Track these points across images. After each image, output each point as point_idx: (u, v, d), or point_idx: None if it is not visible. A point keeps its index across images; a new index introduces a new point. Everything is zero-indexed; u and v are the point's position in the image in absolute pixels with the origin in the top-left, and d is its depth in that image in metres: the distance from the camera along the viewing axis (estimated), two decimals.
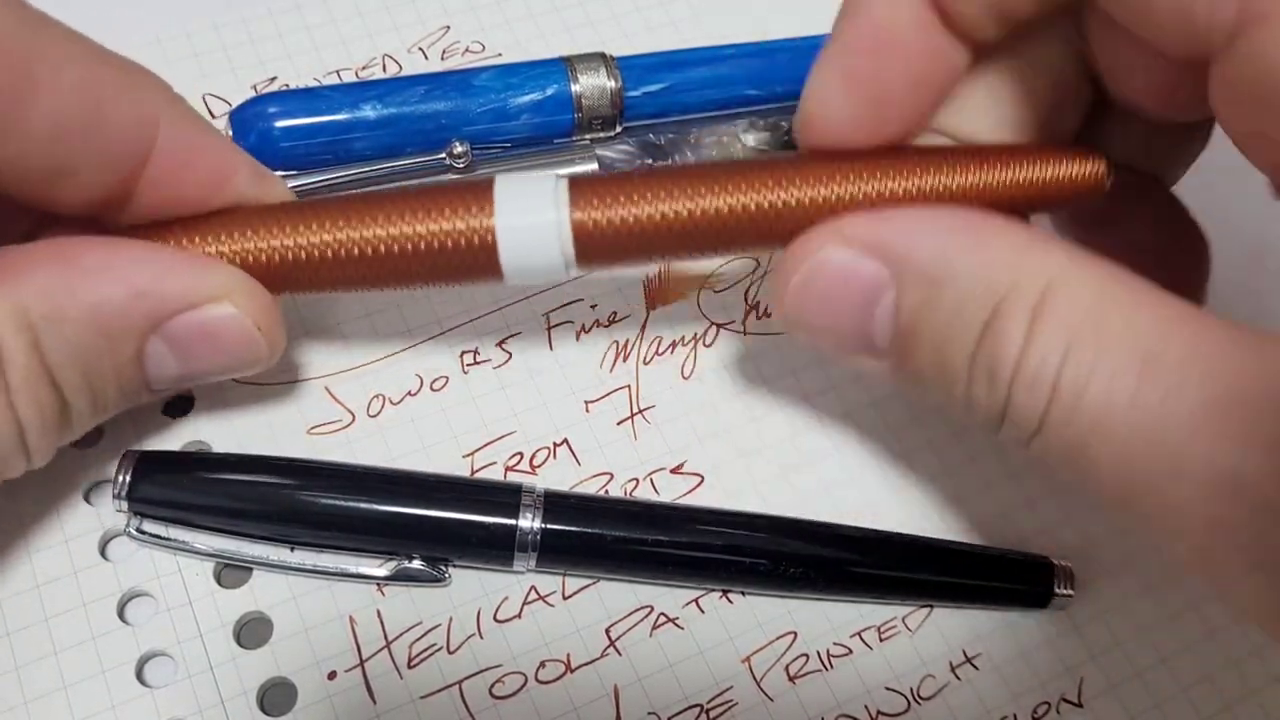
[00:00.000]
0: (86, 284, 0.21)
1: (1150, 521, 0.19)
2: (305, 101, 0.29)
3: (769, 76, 0.32)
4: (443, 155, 0.29)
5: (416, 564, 0.25)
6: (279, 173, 0.28)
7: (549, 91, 0.31)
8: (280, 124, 0.29)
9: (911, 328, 0.21)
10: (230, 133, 0.29)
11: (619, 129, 0.32)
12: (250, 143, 0.29)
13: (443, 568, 0.25)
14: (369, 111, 0.30)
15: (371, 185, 0.29)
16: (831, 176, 0.22)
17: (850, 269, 0.21)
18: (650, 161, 0.30)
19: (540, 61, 0.31)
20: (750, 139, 0.31)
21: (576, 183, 0.23)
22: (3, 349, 0.20)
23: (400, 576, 0.25)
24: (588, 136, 0.32)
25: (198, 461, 0.25)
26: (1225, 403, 0.17)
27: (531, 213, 0.23)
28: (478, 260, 0.23)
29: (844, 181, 0.22)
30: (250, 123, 0.29)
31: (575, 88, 0.31)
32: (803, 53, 0.32)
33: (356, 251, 0.23)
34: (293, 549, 0.25)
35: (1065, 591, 0.27)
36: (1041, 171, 0.24)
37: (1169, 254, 0.27)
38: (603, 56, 0.31)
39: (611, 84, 0.31)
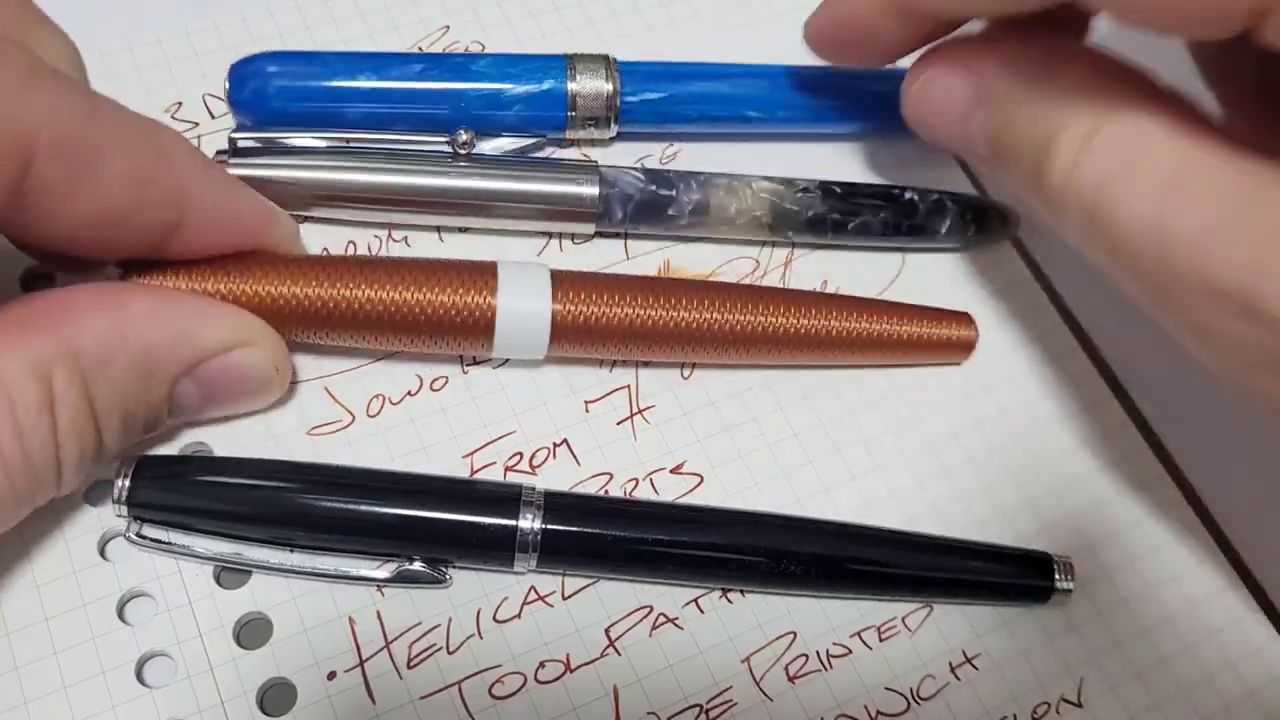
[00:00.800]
0: (135, 329, 0.23)
1: (1175, 329, 0.22)
2: (303, 64, 0.30)
3: (772, 101, 0.32)
4: (447, 140, 0.29)
5: (417, 565, 0.25)
6: (271, 131, 0.29)
7: (544, 86, 0.31)
8: (276, 83, 0.29)
9: (996, 140, 0.25)
10: (228, 86, 0.29)
11: (613, 133, 0.32)
12: (244, 98, 0.29)
13: (443, 569, 0.25)
14: (364, 81, 0.30)
15: (371, 158, 0.29)
16: (760, 306, 0.28)
17: (949, 88, 0.26)
18: (655, 189, 0.30)
19: (541, 55, 0.31)
20: (763, 187, 0.30)
21: (559, 276, 0.27)
22: (55, 391, 0.21)
23: (401, 578, 0.25)
24: (579, 135, 0.32)
25: (197, 466, 0.25)
26: (1221, 227, 0.20)
27: (529, 298, 0.27)
28: (474, 331, 0.26)
29: (775, 312, 0.28)
30: (247, 79, 0.29)
31: (572, 86, 0.31)
32: (809, 82, 0.32)
33: (368, 310, 0.26)
34: (292, 551, 0.25)
35: (1066, 585, 0.27)
36: (914, 328, 0.30)
37: None
38: (605, 59, 0.31)
39: (609, 87, 0.31)
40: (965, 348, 0.30)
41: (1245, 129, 0.24)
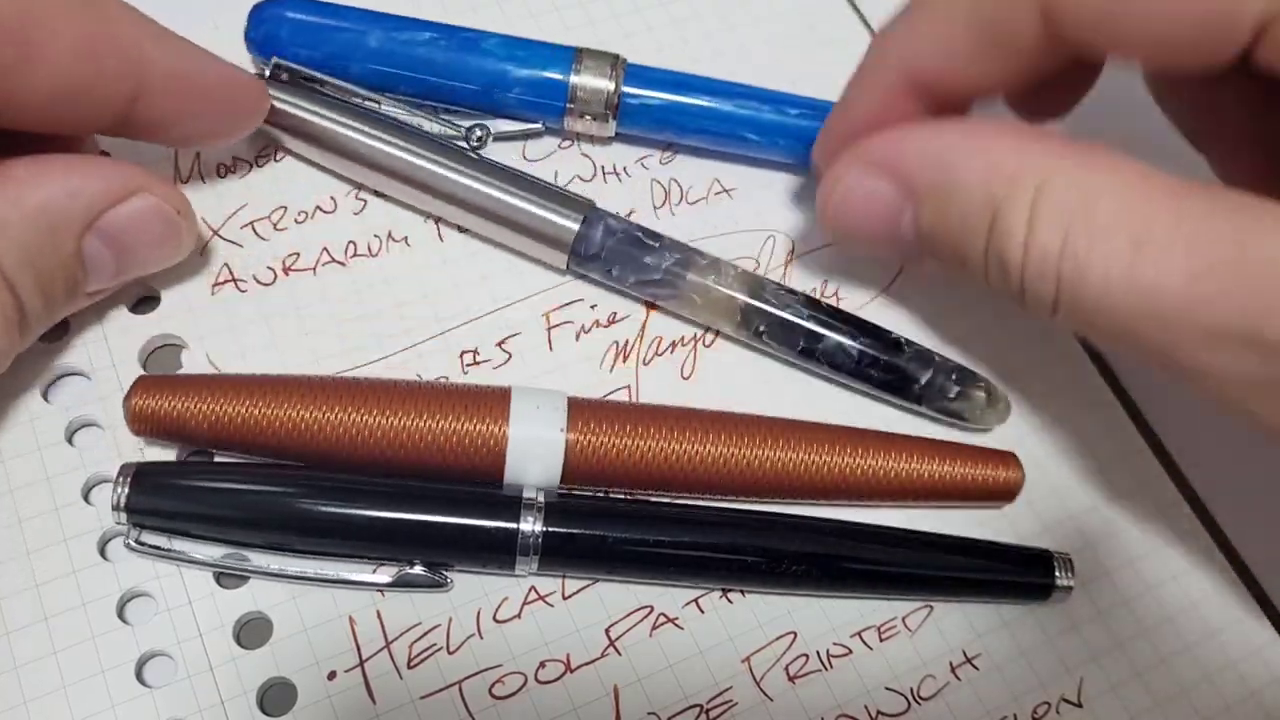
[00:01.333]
0: (25, 190, 0.23)
1: (1169, 373, 0.21)
2: (319, 13, 0.31)
3: (775, 127, 0.31)
4: (462, 134, 0.30)
5: (418, 570, 0.25)
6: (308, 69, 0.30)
7: (548, 74, 0.31)
8: (290, 28, 0.30)
9: (931, 234, 0.24)
10: (246, 24, 0.31)
11: (612, 131, 0.32)
12: (259, 37, 0.30)
13: (444, 573, 0.25)
14: (372, 40, 0.30)
15: (386, 127, 0.29)
16: (790, 442, 0.27)
17: (872, 194, 0.25)
18: (640, 236, 0.29)
19: (551, 44, 0.31)
20: (744, 276, 0.29)
21: (576, 405, 0.26)
22: None
23: (401, 583, 0.25)
24: (578, 128, 0.32)
25: (196, 472, 0.25)
26: (1209, 272, 0.19)
27: (542, 427, 0.26)
28: (485, 460, 0.25)
29: (799, 449, 0.27)
30: (264, 21, 0.30)
31: (574, 79, 0.31)
32: (816, 114, 0.31)
33: (379, 436, 0.25)
34: (292, 555, 0.25)
35: (1066, 582, 0.27)
36: (961, 469, 0.28)
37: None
38: (614, 57, 0.31)
39: (610, 85, 0.31)
40: (1008, 494, 0.28)
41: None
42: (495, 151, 0.32)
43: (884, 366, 0.29)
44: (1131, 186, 0.21)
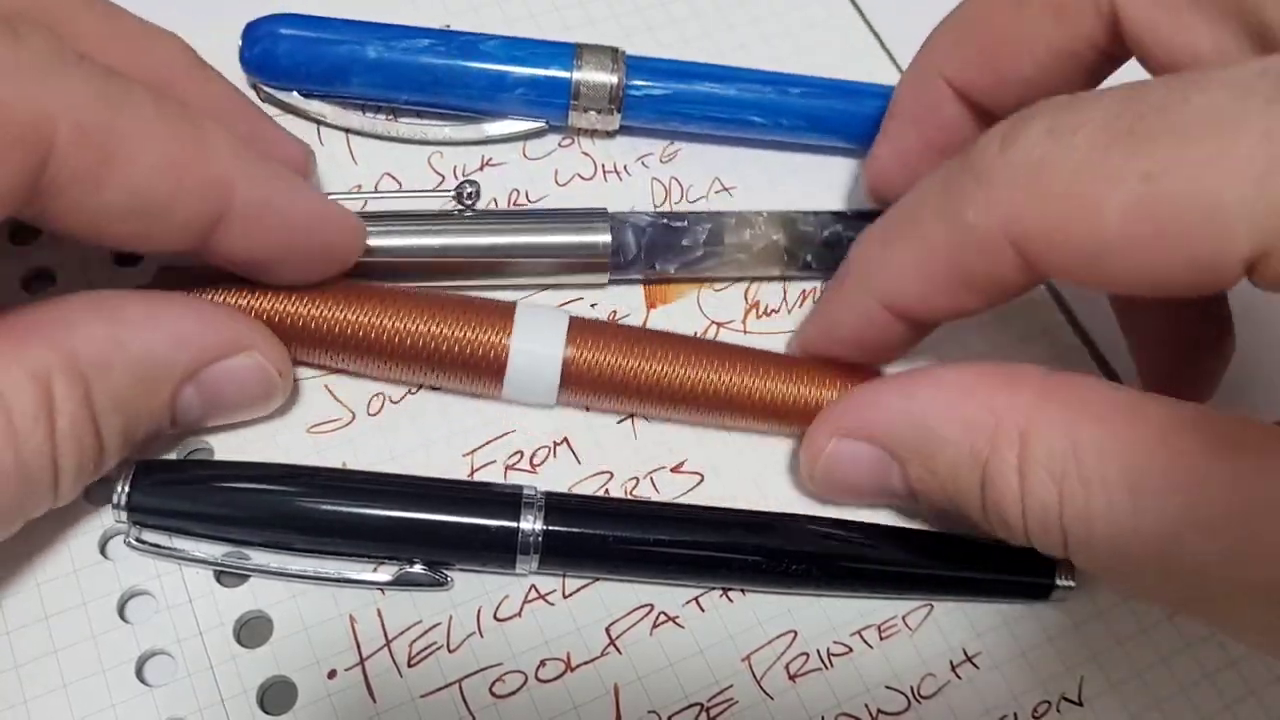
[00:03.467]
0: (133, 335, 0.22)
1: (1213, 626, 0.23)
2: (315, 28, 0.30)
3: (778, 108, 0.32)
4: (453, 193, 0.29)
5: (418, 568, 0.25)
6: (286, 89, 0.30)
7: (550, 72, 0.31)
8: (285, 45, 0.30)
9: (923, 492, 0.25)
10: (240, 44, 0.30)
11: (616, 125, 0.32)
12: (254, 56, 0.30)
13: (444, 571, 0.25)
14: (371, 52, 0.30)
15: (372, 220, 0.28)
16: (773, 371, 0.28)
17: (855, 457, 0.25)
18: (666, 222, 0.29)
19: (550, 42, 0.31)
20: (774, 214, 0.30)
21: (575, 323, 0.27)
22: (54, 397, 0.21)
23: (402, 581, 0.25)
24: (582, 124, 0.32)
25: (196, 470, 0.25)
26: (1212, 524, 0.19)
27: (543, 343, 0.26)
28: (486, 370, 0.26)
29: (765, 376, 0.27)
30: (259, 39, 0.30)
31: (577, 75, 0.31)
32: (817, 92, 0.32)
33: (397, 339, 0.26)
34: (293, 554, 0.25)
35: (1066, 582, 0.27)
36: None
37: (1200, 344, 0.28)
38: (614, 51, 0.31)
39: (614, 79, 0.31)
40: None
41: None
42: (497, 152, 0.32)
43: None
44: (1117, 427, 0.21)
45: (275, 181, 0.24)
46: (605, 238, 0.29)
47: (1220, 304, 0.28)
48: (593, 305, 0.30)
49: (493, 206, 0.31)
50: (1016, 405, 0.22)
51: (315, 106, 0.31)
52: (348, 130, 0.32)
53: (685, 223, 0.30)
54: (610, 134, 0.33)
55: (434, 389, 0.28)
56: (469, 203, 0.29)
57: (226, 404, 0.25)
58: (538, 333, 0.27)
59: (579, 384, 0.27)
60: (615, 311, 0.30)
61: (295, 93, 0.30)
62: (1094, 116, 0.20)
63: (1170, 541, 0.20)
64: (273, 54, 0.30)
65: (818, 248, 0.30)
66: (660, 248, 0.29)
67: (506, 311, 0.27)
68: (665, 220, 0.29)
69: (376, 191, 0.30)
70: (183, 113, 0.22)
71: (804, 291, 0.31)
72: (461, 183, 0.29)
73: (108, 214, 0.21)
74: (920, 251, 0.24)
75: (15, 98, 0.19)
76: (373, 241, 0.27)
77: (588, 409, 0.28)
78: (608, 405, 0.28)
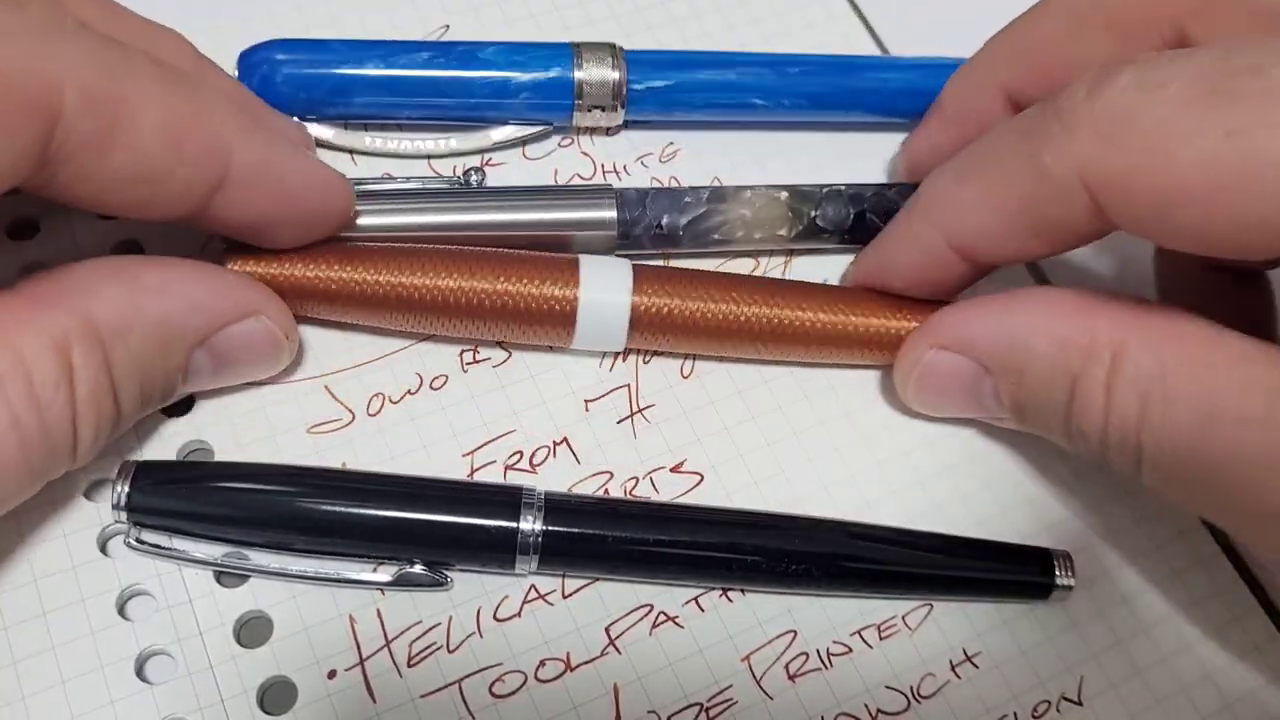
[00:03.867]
0: (150, 300, 0.23)
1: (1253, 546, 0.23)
2: (311, 52, 0.30)
3: (778, 89, 0.32)
4: (462, 176, 0.30)
5: (418, 569, 0.25)
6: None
7: (551, 74, 0.31)
8: (284, 71, 0.30)
9: (1013, 404, 0.25)
10: (236, 74, 0.30)
11: (620, 121, 0.32)
12: (253, 85, 0.30)
13: (444, 571, 0.25)
14: (371, 70, 0.30)
15: (381, 199, 0.29)
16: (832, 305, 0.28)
17: (950, 368, 0.26)
18: (671, 189, 0.30)
19: (548, 44, 0.31)
20: (775, 186, 0.31)
21: (640, 270, 0.28)
22: (74, 363, 0.21)
23: (402, 582, 0.25)
24: (586, 123, 0.32)
25: (196, 471, 0.25)
26: None
27: (610, 290, 0.27)
28: (556, 321, 0.27)
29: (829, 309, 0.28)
30: (255, 66, 0.30)
31: (579, 74, 0.31)
32: (814, 69, 0.32)
33: (456, 298, 0.27)
34: (292, 554, 0.25)
35: (1066, 581, 0.27)
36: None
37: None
38: (612, 47, 0.31)
39: (616, 75, 0.31)
40: None
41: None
42: (498, 153, 0.32)
43: None
44: (1203, 357, 0.21)
45: (271, 146, 0.24)
46: (611, 213, 0.29)
47: (1266, 292, 0.28)
48: None
49: None
50: (1110, 326, 0.23)
51: (317, 130, 0.31)
52: (352, 151, 0.31)
53: (685, 188, 0.31)
54: (614, 130, 0.33)
55: (432, 387, 0.28)
56: (477, 179, 0.30)
57: (235, 365, 0.26)
58: (604, 281, 0.27)
59: (647, 328, 0.28)
60: None
61: (295, 119, 0.30)
62: (1184, 73, 0.20)
63: (1240, 462, 0.20)
64: (271, 81, 0.30)
65: (820, 204, 0.30)
66: (664, 202, 0.30)
67: (571, 265, 0.27)
68: (665, 187, 0.30)
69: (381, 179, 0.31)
70: (182, 79, 0.22)
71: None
72: (468, 170, 0.30)
73: (113, 181, 0.21)
74: (994, 190, 0.24)
75: (23, 64, 0.19)
76: (381, 220, 0.28)
77: (654, 354, 0.29)
78: (674, 346, 0.29)
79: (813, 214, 0.30)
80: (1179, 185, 0.20)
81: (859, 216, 0.31)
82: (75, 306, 0.22)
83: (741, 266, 0.31)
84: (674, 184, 0.32)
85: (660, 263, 0.30)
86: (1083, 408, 0.23)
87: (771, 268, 0.31)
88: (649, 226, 0.29)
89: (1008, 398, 0.25)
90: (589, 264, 0.27)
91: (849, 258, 0.32)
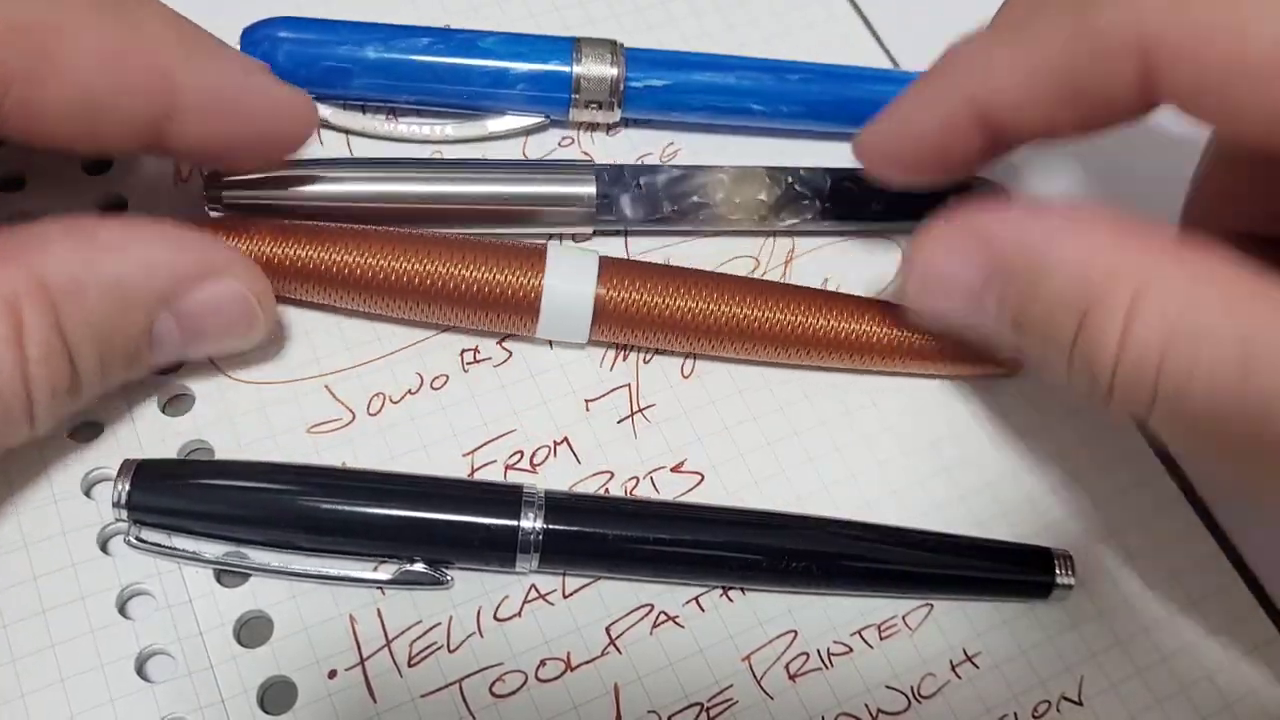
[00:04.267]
0: (105, 259, 0.22)
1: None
2: (314, 31, 0.30)
3: (777, 95, 0.32)
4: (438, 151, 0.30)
5: (418, 567, 0.25)
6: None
7: (550, 66, 0.31)
8: (285, 48, 0.30)
9: (1015, 317, 0.23)
10: (239, 48, 0.30)
11: (617, 118, 0.32)
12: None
13: (444, 570, 0.25)
14: (370, 52, 0.30)
15: (362, 167, 0.29)
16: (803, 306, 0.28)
17: (963, 260, 0.24)
18: (652, 170, 0.30)
19: (549, 36, 0.31)
20: (760, 168, 0.31)
21: (606, 262, 0.28)
22: (24, 321, 0.21)
23: (402, 580, 0.25)
24: (583, 118, 0.32)
25: (196, 469, 0.25)
26: None
27: (575, 281, 0.27)
28: (520, 309, 0.27)
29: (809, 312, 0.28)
30: (258, 42, 0.30)
31: (577, 69, 0.31)
32: (815, 78, 0.32)
33: (420, 281, 0.27)
34: (293, 553, 0.25)
35: (1067, 581, 0.27)
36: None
37: None
38: (612, 44, 0.31)
39: (614, 71, 0.31)
40: (1017, 362, 0.30)
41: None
42: (497, 150, 0.32)
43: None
44: (1235, 289, 0.20)
45: (221, 66, 0.23)
46: (590, 189, 0.29)
47: None
48: None
49: None
50: (1139, 253, 0.21)
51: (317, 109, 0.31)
52: (349, 132, 0.32)
53: (668, 172, 0.31)
54: (611, 127, 0.33)
55: (433, 387, 0.28)
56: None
57: (205, 333, 0.24)
58: (570, 271, 0.27)
59: (610, 321, 0.28)
60: None
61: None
62: None
63: (1269, 406, 0.19)
64: (273, 58, 0.30)
65: (799, 173, 0.31)
66: (644, 169, 0.30)
67: (539, 253, 0.27)
68: (651, 169, 0.31)
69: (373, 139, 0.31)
70: (119, 5, 0.22)
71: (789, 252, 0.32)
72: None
73: (54, 112, 0.21)
74: (1032, 50, 0.22)
75: None
76: (360, 187, 0.28)
77: (655, 353, 0.29)
78: (640, 340, 0.29)
79: (789, 180, 0.31)
80: (1246, 59, 0.19)
81: (837, 182, 0.31)
82: (26, 263, 0.21)
83: (742, 267, 0.31)
84: None
85: (642, 254, 0.31)
86: (1093, 336, 0.21)
87: (772, 268, 0.31)
88: (628, 185, 0.30)
89: (1011, 308, 0.23)
90: (556, 253, 0.28)
91: (849, 256, 0.32)
